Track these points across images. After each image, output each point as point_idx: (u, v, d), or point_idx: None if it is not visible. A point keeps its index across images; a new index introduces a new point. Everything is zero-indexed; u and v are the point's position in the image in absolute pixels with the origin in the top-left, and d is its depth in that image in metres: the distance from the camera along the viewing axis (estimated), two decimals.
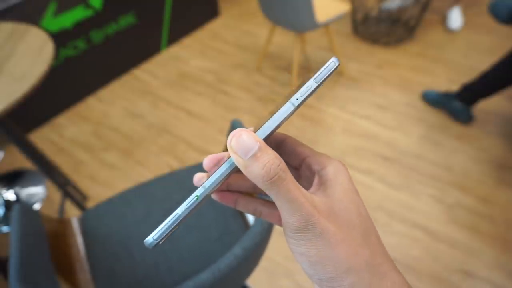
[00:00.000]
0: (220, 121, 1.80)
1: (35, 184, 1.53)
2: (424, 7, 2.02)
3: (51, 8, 1.63)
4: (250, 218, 0.81)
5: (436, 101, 1.70)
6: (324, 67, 0.19)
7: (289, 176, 0.18)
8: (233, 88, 1.99)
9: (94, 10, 1.82)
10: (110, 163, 1.63)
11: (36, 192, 1.50)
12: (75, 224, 0.81)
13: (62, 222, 0.79)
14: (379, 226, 1.30)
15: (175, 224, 0.19)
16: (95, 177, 1.57)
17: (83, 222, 0.82)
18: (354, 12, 2.18)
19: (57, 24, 1.69)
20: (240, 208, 0.25)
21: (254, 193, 0.26)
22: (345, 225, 0.19)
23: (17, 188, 1.50)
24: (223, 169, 0.20)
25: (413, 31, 2.16)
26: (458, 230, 1.26)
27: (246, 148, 0.18)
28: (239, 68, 2.13)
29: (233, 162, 0.19)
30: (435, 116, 1.69)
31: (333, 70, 0.19)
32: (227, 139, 0.19)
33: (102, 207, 0.84)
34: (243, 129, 0.18)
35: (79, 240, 0.79)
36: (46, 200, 1.49)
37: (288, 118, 0.19)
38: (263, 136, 0.19)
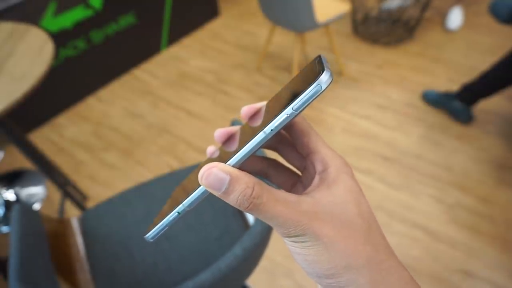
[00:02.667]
0: (220, 121, 1.80)
1: (35, 184, 1.53)
2: (424, 7, 2.02)
3: (51, 8, 1.63)
4: (250, 218, 0.81)
5: (436, 101, 1.70)
6: (306, 92, 0.18)
7: (265, 197, 0.18)
8: (233, 88, 1.99)
9: (94, 10, 1.83)
10: (110, 163, 1.63)
11: (36, 192, 1.50)
12: (75, 224, 0.81)
13: (62, 222, 0.79)
14: None
15: (164, 230, 0.21)
16: (95, 177, 1.57)
17: (83, 222, 0.82)
18: (354, 12, 2.18)
19: (57, 24, 1.69)
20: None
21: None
22: (344, 224, 0.19)
23: (17, 188, 1.50)
24: (198, 193, 0.20)
25: (413, 31, 2.16)
26: (458, 230, 1.26)
27: (217, 184, 0.18)
28: (239, 68, 2.13)
29: (206, 190, 0.20)
30: (435, 116, 1.69)
31: (317, 96, 0.18)
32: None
33: (102, 207, 0.84)
34: (213, 164, 0.19)
35: (79, 240, 0.79)
36: (46, 200, 1.49)
37: (263, 144, 0.19)
38: (236, 164, 0.19)
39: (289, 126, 0.24)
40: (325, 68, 0.18)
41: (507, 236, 1.23)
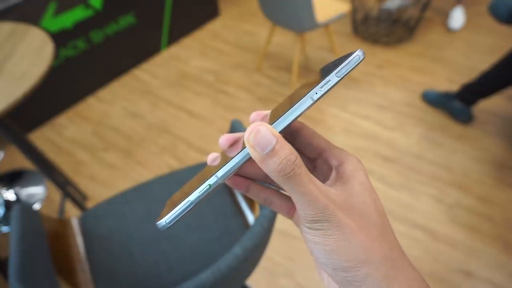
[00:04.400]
0: (220, 121, 1.80)
1: (35, 184, 1.53)
2: (424, 7, 2.02)
3: (51, 8, 1.63)
4: (250, 218, 0.81)
5: (436, 101, 1.70)
6: (348, 60, 0.18)
7: (304, 171, 0.18)
8: (233, 88, 1.99)
9: (94, 10, 1.82)
10: (110, 163, 1.63)
11: (36, 192, 1.50)
12: (75, 224, 0.81)
13: (62, 222, 0.79)
14: None
15: (186, 211, 0.19)
16: (95, 177, 1.57)
17: (83, 222, 0.82)
18: (354, 12, 2.18)
19: (57, 24, 1.69)
20: (250, 195, 0.25)
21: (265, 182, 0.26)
22: (363, 219, 0.20)
23: (17, 188, 1.50)
24: (237, 159, 0.19)
25: (413, 31, 2.16)
26: (458, 230, 1.26)
27: (264, 144, 0.17)
28: (239, 68, 2.13)
29: (248, 154, 0.19)
30: (435, 116, 1.69)
31: (357, 64, 0.19)
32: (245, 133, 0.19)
33: (102, 207, 0.84)
34: (262, 123, 0.18)
35: (79, 240, 0.79)
36: (46, 200, 1.49)
37: (306, 111, 0.19)
38: (280, 129, 0.19)
39: (295, 132, 0.24)
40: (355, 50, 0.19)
41: (507, 236, 1.23)
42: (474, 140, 1.57)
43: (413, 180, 1.43)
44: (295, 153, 0.18)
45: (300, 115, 0.19)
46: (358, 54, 0.18)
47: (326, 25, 1.73)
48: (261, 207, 0.60)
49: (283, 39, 2.30)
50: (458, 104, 1.62)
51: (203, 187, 0.19)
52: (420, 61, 2.03)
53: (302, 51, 2.16)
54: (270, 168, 0.18)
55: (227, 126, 1.76)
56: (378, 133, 1.64)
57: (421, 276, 0.20)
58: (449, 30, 2.24)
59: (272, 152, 0.17)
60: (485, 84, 1.50)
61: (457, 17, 2.22)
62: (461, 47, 2.09)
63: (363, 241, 0.19)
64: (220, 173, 0.19)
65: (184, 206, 0.19)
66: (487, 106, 1.69)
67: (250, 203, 0.81)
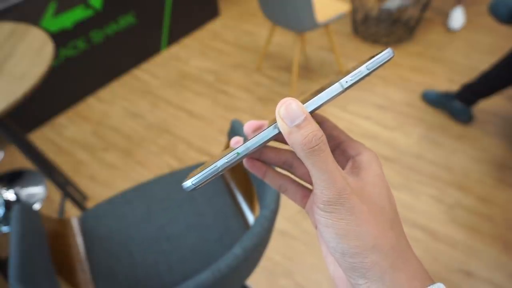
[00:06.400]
0: (220, 121, 1.80)
1: (35, 184, 1.53)
2: (424, 7, 2.02)
3: (51, 8, 1.63)
4: (250, 218, 0.81)
5: (436, 101, 1.70)
6: (379, 56, 0.19)
7: (327, 149, 0.19)
8: (233, 88, 1.99)
9: (94, 10, 1.83)
10: (110, 163, 1.63)
11: (36, 192, 1.50)
12: (75, 224, 0.81)
13: (62, 222, 0.79)
14: None
15: (212, 175, 0.20)
16: (95, 177, 1.57)
17: (83, 222, 0.82)
18: (354, 12, 2.18)
19: (57, 24, 1.69)
20: (267, 180, 0.26)
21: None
22: (376, 207, 0.20)
23: (17, 188, 1.50)
24: (265, 133, 0.20)
25: (413, 31, 2.16)
26: (458, 230, 1.26)
27: (293, 116, 0.18)
28: (239, 68, 2.13)
29: (276, 129, 0.20)
30: (435, 116, 1.69)
31: (387, 61, 0.19)
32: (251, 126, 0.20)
33: (102, 207, 0.84)
34: (293, 98, 0.19)
35: (79, 240, 0.79)
36: (46, 200, 1.49)
37: (334, 98, 0.20)
38: (309, 110, 0.20)
39: (319, 124, 0.25)
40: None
41: (507, 236, 1.23)
42: (474, 140, 1.57)
43: (413, 180, 1.43)
44: (321, 131, 0.19)
45: (329, 100, 0.20)
46: (388, 51, 0.19)
47: (326, 25, 1.73)
48: (261, 208, 0.60)
49: (283, 39, 2.30)
50: (458, 104, 1.62)
51: (232, 154, 0.20)
52: (420, 61, 2.03)
53: (302, 51, 2.16)
54: (296, 140, 0.18)
55: (227, 126, 1.76)
56: (378, 133, 1.64)
57: (425, 269, 0.20)
58: (449, 30, 2.24)
59: (301, 125, 0.18)
60: (485, 84, 1.50)
61: (457, 17, 2.22)
62: (461, 47, 2.09)
63: (374, 229, 0.19)
64: (249, 143, 0.20)
65: (211, 170, 0.20)
66: (487, 106, 1.69)
67: (250, 203, 0.81)
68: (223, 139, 1.69)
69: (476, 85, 1.53)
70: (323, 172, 0.19)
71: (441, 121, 1.66)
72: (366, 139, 1.62)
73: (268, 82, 2.01)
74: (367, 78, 1.95)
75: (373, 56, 0.20)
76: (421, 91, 1.81)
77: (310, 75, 2.03)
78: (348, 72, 0.20)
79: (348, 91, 1.88)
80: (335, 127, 0.25)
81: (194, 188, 0.20)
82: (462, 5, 2.31)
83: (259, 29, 2.45)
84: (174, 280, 0.71)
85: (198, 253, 0.75)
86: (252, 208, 0.81)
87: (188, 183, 0.20)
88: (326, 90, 0.20)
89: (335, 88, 0.20)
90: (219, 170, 0.20)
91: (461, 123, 1.64)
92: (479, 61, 1.98)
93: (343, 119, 1.73)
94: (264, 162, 0.26)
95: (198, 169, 0.21)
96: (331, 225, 0.19)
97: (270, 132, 0.20)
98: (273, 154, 0.26)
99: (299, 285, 1.16)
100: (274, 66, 2.11)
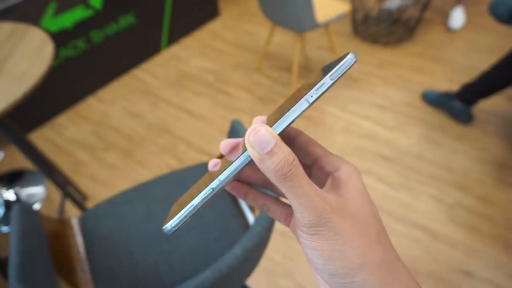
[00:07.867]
0: (220, 121, 1.80)
1: (35, 184, 1.53)
2: (424, 7, 2.02)
3: (51, 8, 1.63)
4: (250, 218, 0.81)
5: (436, 101, 1.70)
6: (342, 63, 0.19)
7: (301, 172, 0.18)
8: (233, 88, 1.99)
9: (94, 10, 1.82)
10: (110, 163, 1.63)
11: (36, 192, 1.50)
12: (75, 224, 0.81)
13: (62, 222, 0.79)
14: None
15: (191, 214, 0.20)
16: (95, 177, 1.57)
17: (83, 222, 0.82)
18: (354, 12, 2.18)
19: (57, 24, 1.69)
20: (248, 201, 0.26)
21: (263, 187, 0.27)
22: (359, 223, 0.20)
23: (17, 188, 1.50)
24: (238, 163, 0.20)
25: (413, 31, 2.16)
26: (458, 230, 1.26)
27: (263, 144, 0.18)
28: (239, 68, 2.13)
29: (248, 156, 0.20)
30: (435, 116, 1.69)
31: (350, 67, 0.19)
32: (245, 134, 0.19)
33: (102, 207, 0.84)
34: (262, 124, 0.19)
35: (79, 240, 0.79)
36: (46, 200, 1.49)
37: (303, 113, 0.20)
38: (278, 131, 0.20)
39: (292, 138, 0.24)
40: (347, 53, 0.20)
41: (507, 236, 1.23)
42: (474, 140, 1.57)
43: (413, 180, 1.43)
44: (293, 154, 0.18)
45: (297, 117, 0.19)
46: (350, 57, 0.19)
47: (326, 25, 1.73)
48: None
49: (283, 39, 2.30)
50: (458, 104, 1.62)
51: (206, 190, 0.20)
52: (420, 61, 2.03)
53: (302, 51, 2.16)
54: (268, 168, 0.18)
55: (227, 126, 1.76)
56: (378, 133, 1.64)
57: (415, 281, 0.20)
58: (449, 30, 2.24)
59: (271, 152, 0.18)
60: (485, 84, 1.50)
61: (457, 17, 2.22)
62: (461, 47, 2.09)
63: (359, 246, 0.19)
64: (222, 176, 0.20)
65: (189, 210, 0.20)
66: (487, 106, 1.69)
67: None
68: (223, 139, 1.69)
69: (476, 85, 1.53)
70: (299, 196, 0.18)
71: (441, 121, 1.66)
72: (366, 139, 1.62)
73: (268, 82, 2.01)
74: (367, 78, 1.95)
75: (334, 63, 0.20)
76: (421, 91, 1.81)
77: (310, 75, 2.02)
78: (311, 85, 0.20)
79: (348, 91, 1.88)
80: (310, 141, 0.24)
81: (175, 230, 0.20)
82: (462, 5, 2.31)
83: (259, 29, 2.45)
84: (174, 280, 0.71)
85: (198, 253, 0.75)
86: (252, 208, 0.81)
87: (168, 227, 0.20)
88: (293, 108, 0.19)
89: (302, 105, 0.19)
90: (197, 208, 0.20)
91: (461, 123, 1.64)
92: (479, 61, 1.98)
93: (342, 119, 1.73)
94: (244, 182, 0.26)
95: (176, 206, 0.21)
96: (316, 247, 0.19)
97: (242, 161, 0.20)
98: (252, 174, 0.26)
99: (299, 285, 1.16)
100: (274, 66, 2.11)
